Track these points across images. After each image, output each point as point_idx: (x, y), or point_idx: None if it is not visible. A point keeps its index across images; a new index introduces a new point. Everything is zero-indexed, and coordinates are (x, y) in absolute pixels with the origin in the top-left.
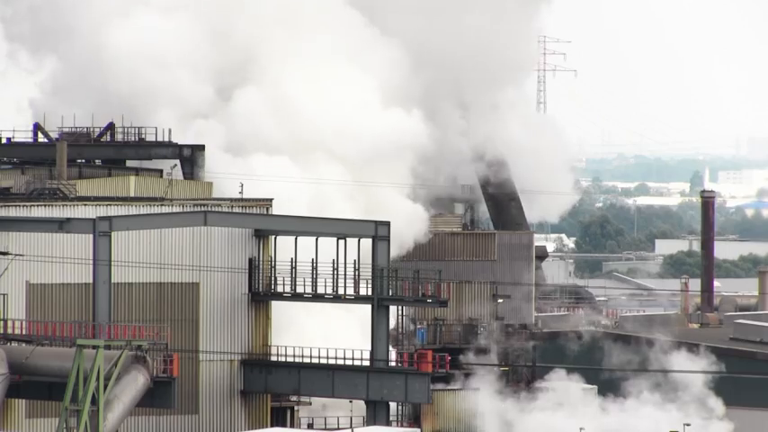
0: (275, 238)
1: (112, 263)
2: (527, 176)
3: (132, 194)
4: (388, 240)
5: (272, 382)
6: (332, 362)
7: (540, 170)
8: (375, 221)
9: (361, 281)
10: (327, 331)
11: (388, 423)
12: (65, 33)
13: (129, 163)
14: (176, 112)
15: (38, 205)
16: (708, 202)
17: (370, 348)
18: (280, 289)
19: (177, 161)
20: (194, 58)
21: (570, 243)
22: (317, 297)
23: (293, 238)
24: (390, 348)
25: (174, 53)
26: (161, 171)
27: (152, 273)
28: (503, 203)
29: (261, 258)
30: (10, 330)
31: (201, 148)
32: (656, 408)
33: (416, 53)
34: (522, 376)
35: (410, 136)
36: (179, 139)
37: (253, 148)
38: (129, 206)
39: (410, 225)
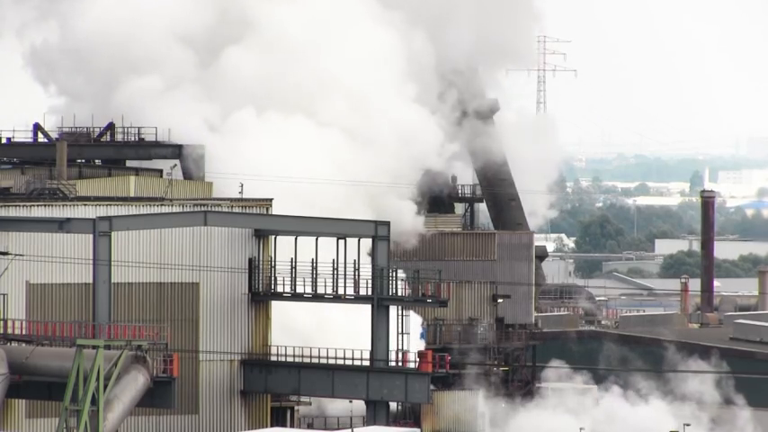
0: (275, 238)
1: (112, 263)
2: (520, 180)
3: (132, 194)
4: (389, 240)
5: (272, 382)
6: (332, 362)
7: (526, 175)
8: (375, 221)
9: (360, 281)
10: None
11: (388, 423)
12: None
13: (129, 163)
14: (165, 81)
15: (38, 205)
16: (708, 201)
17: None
18: (280, 289)
19: (177, 161)
20: (186, 25)
21: (570, 243)
22: (316, 297)
23: (293, 238)
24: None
25: (164, 20)
26: (161, 171)
27: (152, 273)
28: (503, 203)
29: (261, 258)
30: (10, 330)
31: (201, 148)
32: (655, 407)
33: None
34: (521, 376)
35: (427, 139)
36: (176, 111)
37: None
38: (129, 206)
39: (411, 225)
